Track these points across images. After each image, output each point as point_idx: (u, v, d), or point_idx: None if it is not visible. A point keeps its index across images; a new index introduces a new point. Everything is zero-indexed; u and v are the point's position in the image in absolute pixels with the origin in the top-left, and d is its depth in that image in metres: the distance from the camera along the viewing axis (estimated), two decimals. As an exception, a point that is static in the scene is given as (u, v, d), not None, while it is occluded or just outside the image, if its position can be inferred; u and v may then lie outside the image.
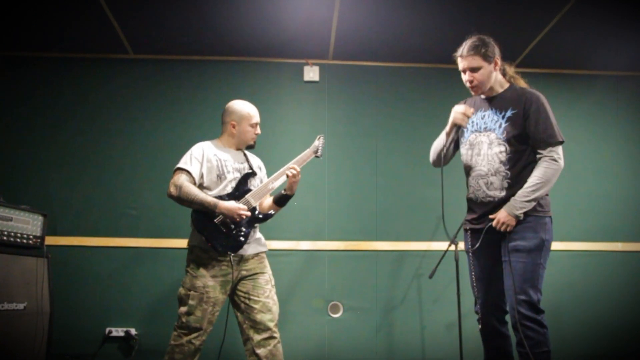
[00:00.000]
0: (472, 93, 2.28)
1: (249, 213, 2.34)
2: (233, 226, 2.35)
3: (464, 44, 2.18)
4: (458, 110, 2.17)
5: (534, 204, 2.05)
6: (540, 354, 1.97)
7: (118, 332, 3.32)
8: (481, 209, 2.20)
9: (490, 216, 2.13)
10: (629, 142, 3.87)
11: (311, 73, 3.81)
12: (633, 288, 3.60)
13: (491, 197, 2.16)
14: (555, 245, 3.58)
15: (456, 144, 2.36)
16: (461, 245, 2.98)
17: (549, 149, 2.08)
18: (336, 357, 3.41)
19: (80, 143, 3.63)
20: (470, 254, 2.24)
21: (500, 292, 2.19)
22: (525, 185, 2.07)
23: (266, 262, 2.52)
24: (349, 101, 3.81)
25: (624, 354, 3.50)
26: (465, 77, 2.19)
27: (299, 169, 2.47)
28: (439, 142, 2.34)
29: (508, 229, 2.05)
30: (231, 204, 2.31)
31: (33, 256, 2.72)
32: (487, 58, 2.15)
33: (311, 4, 3.22)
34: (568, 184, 3.72)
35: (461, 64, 2.18)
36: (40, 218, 2.82)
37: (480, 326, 2.23)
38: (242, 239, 2.36)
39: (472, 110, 2.18)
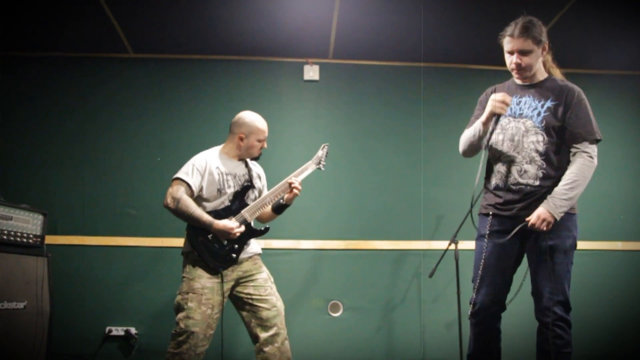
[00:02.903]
0: (515, 76, 2.18)
1: (242, 229, 2.36)
2: (226, 242, 2.36)
3: (514, 23, 2.06)
4: (497, 99, 2.02)
5: (573, 202, 2.00)
6: (566, 354, 1.97)
7: (118, 331, 3.33)
8: (508, 195, 2.09)
9: (529, 219, 1.99)
10: (630, 142, 3.86)
11: (311, 72, 3.81)
12: (633, 288, 3.60)
13: (522, 185, 2.06)
14: (556, 245, 3.61)
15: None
16: (461, 245, 3.01)
17: (586, 144, 2.03)
18: (336, 357, 3.41)
19: (80, 143, 3.63)
20: (486, 239, 2.11)
21: (505, 286, 2.13)
22: (562, 183, 2.00)
23: (261, 263, 2.52)
24: (349, 100, 3.81)
25: (624, 354, 3.50)
26: (512, 59, 2.08)
27: (299, 184, 2.46)
28: (471, 132, 2.19)
29: (547, 228, 1.95)
30: (225, 224, 2.32)
31: (33, 255, 2.72)
32: (538, 42, 2.05)
33: (311, 4, 3.22)
34: (568, 183, 3.72)
35: (510, 44, 2.06)
36: (40, 217, 2.82)
37: (470, 317, 2.14)
38: (234, 255, 2.37)
39: (511, 98, 2.05)
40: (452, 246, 3.13)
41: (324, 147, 2.62)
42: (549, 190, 2.02)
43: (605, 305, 3.56)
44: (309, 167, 2.55)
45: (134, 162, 3.62)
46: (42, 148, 3.61)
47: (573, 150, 2.05)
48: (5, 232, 2.60)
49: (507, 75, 2.27)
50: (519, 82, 2.18)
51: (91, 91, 3.72)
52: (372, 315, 3.49)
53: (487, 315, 2.12)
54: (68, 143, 3.63)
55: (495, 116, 2.05)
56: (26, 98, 3.68)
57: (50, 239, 3.06)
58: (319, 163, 2.58)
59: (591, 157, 2.03)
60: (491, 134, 2.12)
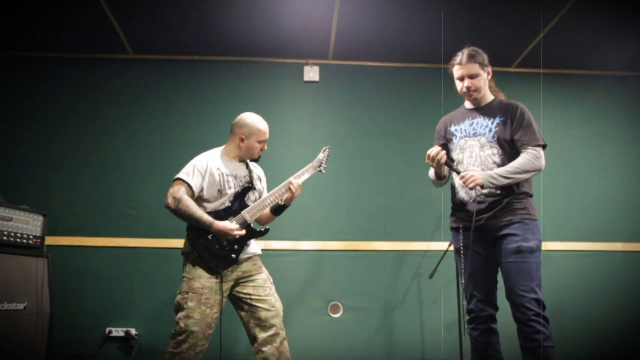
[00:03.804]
0: (466, 99, 2.41)
1: (242, 232, 2.37)
2: (225, 243, 2.37)
3: (460, 53, 2.33)
4: (430, 157, 2.24)
5: (504, 182, 2.17)
6: (549, 347, 2.07)
7: (118, 332, 3.32)
8: (476, 206, 2.26)
9: (462, 174, 2.19)
10: (629, 142, 3.86)
11: (311, 73, 3.81)
12: (633, 288, 3.60)
13: (485, 195, 2.25)
14: (555, 245, 3.62)
15: (447, 150, 2.44)
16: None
17: (530, 148, 2.22)
18: (336, 357, 3.41)
19: (80, 143, 3.63)
20: (462, 251, 2.30)
21: (493, 288, 2.29)
22: (507, 166, 2.19)
23: (260, 264, 2.53)
24: (349, 101, 3.81)
25: (624, 354, 3.50)
26: (463, 84, 2.33)
27: (299, 185, 2.47)
28: (433, 179, 2.45)
29: (471, 186, 2.15)
30: (225, 226, 2.32)
31: (33, 256, 2.72)
32: (483, 67, 2.32)
33: (311, 4, 3.23)
34: (568, 183, 3.72)
35: (459, 71, 2.32)
36: (40, 218, 2.82)
37: (470, 326, 2.30)
38: (233, 255, 2.38)
39: (438, 149, 2.24)
40: (452, 247, 3.13)
41: (325, 149, 2.64)
42: (511, 197, 2.20)
43: (606, 306, 3.56)
44: (310, 170, 2.57)
45: (134, 162, 3.62)
46: (42, 148, 3.61)
47: (521, 154, 2.24)
48: (6, 233, 2.60)
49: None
50: (469, 106, 2.41)
51: (91, 91, 3.72)
52: (372, 316, 3.48)
53: (483, 319, 2.27)
54: (68, 143, 3.63)
55: (444, 165, 2.26)
56: (26, 98, 3.68)
57: (50, 240, 3.07)
58: (320, 166, 2.60)
59: (536, 156, 2.20)
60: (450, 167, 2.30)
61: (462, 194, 2.32)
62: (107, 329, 3.33)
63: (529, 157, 2.19)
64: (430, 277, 3.13)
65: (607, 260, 3.63)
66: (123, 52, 3.75)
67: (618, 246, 3.65)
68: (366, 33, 3.51)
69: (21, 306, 2.59)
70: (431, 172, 2.43)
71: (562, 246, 3.60)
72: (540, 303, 2.11)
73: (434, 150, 2.23)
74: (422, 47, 3.67)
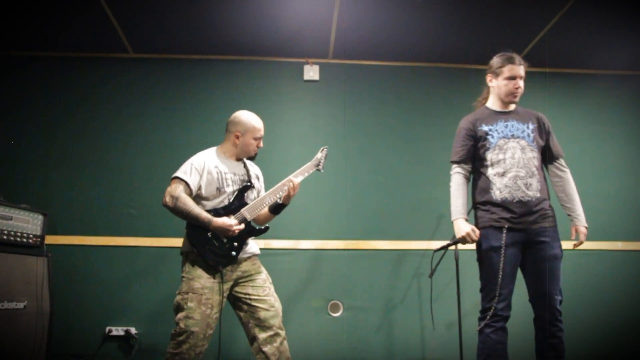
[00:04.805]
0: (511, 99, 2.43)
1: (242, 227, 2.37)
2: (225, 240, 2.37)
3: (510, 54, 2.41)
4: (470, 233, 2.34)
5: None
6: (563, 340, 2.27)
7: (118, 331, 3.33)
8: (520, 208, 2.31)
9: (576, 244, 2.42)
10: (629, 141, 3.86)
11: (311, 72, 3.81)
12: (633, 288, 3.60)
13: (529, 197, 2.31)
14: (556, 245, 3.61)
15: (472, 157, 2.45)
16: (461, 245, 3.00)
17: (561, 159, 2.45)
18: (336, 357, 3.41)
19: (80, 143, 3.63)
20: (503, 250, 2.31)
21: (513, 289, 2.34)
22: (574, 200, 2.41)
23: (259, 264, 2.53)
24: (349, 100, 3.81)
25: (624, 354, 3.49)
26: (514, 84, 2.38)
27: (298, 183, 2.47)
28: (452, 201, 2.46)
29: (585, 239, 2.39)
30: (224, 222, 2.32)
31: (33, 255, 2.72)
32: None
33: (311, 4, 3.23)
34: (568, 183, 3.72)
35: (512, 71, 2.38)
36: (40, 217, 2.82)
37: (486, 322, 2.29)
38: (233, 253, 2.38)
39: (477, 233, 2.36)
40: (452, 246, 3.13)
41: (323, 149, 2.65)
42: (547, 202, 2.35)
43: (606, 305, 3.56)
44: (308, 169, 2.57)
45: (133, 162, 3.62)
46: (42, 148, 3.61)
47: (555, 165, 2.46)
48: (6, 232, 2.60)
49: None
50: (497, 108, 2.46)
51: (91, 91, 3.72)
52: (372, 315, 3.48)
53: (501, 318, 2.30)
54: (68, 143, 3.63)
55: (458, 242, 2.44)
56: (26, 98, 3.68)
57: (50, 239, 3.07)
58: (318, 165, 2.61)
59: (568, 174, 2.45)
60: (471, 161, 2.44)
61: (505, 193, 2.32)
62: (107, 328, 3.33)
63: (570, 176, 2.42)
64: (430, 276, 3.13)
65: (607, 260, 3.63)
66: (123, 51, 3.75)
67: (618, 245, 3.65)
68: (366, 32, 3.51)
69: (21, 305, 2.59)
70: (452, 196, 2.44)
71: (562, 246, 3.59)
72: (561, 303, 2.30)
73: (474, 235, 2.33)
74: (422, 46, 3.67)
